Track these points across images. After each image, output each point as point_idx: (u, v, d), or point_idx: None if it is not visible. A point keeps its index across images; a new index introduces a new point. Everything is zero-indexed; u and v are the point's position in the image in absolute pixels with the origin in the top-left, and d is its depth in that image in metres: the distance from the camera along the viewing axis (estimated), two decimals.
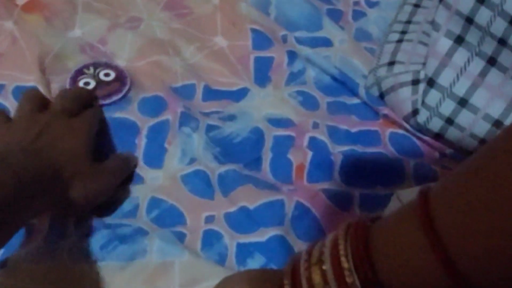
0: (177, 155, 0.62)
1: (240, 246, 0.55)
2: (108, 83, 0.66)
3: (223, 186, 0.59)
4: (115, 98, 0.65)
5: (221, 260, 0.54)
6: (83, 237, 0.54)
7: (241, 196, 0.58)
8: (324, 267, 0.36)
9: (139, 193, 0.59)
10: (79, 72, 0.67)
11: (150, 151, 0.62)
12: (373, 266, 0.33)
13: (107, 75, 0.67)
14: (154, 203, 0.59)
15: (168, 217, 0.58)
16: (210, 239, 0.56)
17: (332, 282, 0.35)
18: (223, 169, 0.60)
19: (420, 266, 0.32)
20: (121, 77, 0.67)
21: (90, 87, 0.66)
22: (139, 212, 0.58)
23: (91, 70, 0.67)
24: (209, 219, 0.58)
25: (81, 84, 0.66)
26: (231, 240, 0.56)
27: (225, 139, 0.64)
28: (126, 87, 0.66)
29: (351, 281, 0.34)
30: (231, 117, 0.66)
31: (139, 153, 0.62)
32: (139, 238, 0.55)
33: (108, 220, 0.57)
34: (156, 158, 0.62)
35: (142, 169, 0.61)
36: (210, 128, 0.64)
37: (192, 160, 0.62)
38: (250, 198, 0.58)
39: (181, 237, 0.56)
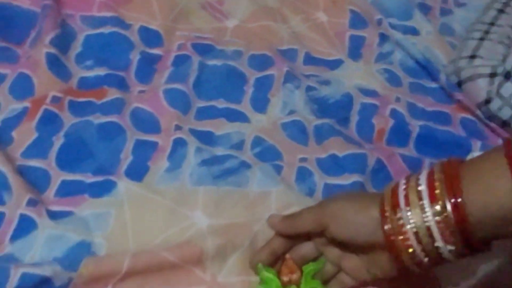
0: (279, 106, 0.73)
1: (326, 186, 0.66)
2: None
3: (317, 136, 0.71)
4: None
5: (310, 193, 0.66)
6: None
7: (332, 145, 0.69)
8: (419, 188, 0.47)
9: (245, 131, 0.70)
10: None
11: (256, 98, 0.73)
12: (461, 190, 0.44)
13: None
14: (257, 141, 0.70)
15: (268, 154, 0.69)
16: (303, 174, 0.67)
17: (425, 199, 0.46)
18: (318, 122, 0.72)
19: (501, 190, 0.43)
20: None
21: None
22: (244, 147, 0.69)
23: None
24: (303, 160, 0.69)
25: None
26: (319, 179, 0.67)
27: (321, 99, 0.75)
28: None
29: (442, 200, 0.45)
30: (327, 82, 0.77)
31: (247, 99, 0.73)
32: (244, 171, 0.66)
33: (219, 152, 0.67)
34: (260, 105, 0.73)
35: (248, 111, 0.72)
36: (309, 88, 0.75)
37: (292, 112, 0.73)
38: (339, 148, 0.69)
39: (278, 170, 0.67)
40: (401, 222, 0.47)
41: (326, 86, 0.76)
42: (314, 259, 0.58)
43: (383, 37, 0.82)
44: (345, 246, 0.55)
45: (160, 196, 0.63)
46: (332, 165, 0.67)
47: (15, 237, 0.58)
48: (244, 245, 0.59)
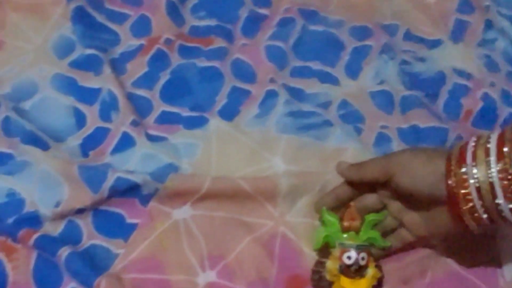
0: (370, 74, 0.77)
1: None
2: None
3: (403, 106, 0.73)
4: None
5: None
6: None
7: (415, 116, 0.72)
8: (488, 146, 0.48)
9: (334, 93, 0.74)
10: None
11: (350, 65, 0.77)
12: None
13: None
14: (343, 104, 0.74)
15: (351, 117, 0.73)
16: (382, 139, 0.70)
17: (493, 156, 0.47)
18: (407, 92, 0.74)
19: None
20: None
21: None
22: (330, 107, 0.73)
23: None
24: (384, 127, 0.72)
25: None
26: (397, 147, 0.69)
27: (414, 74, 0.77)
28: None
29: (509, 158, 0.46)
30: (422, 59, 0.79)
31: (341, 65, 0.77)
32: (325, 127, 0.71)
33: (306, 108, 0.72)
34: (353, 72, 0.77)
35: (340, 76, 0.76)
36: (403, 62, 0.78)
37: (382, 82, 0.76)
38: (422, 119, 0.71)
39: (358, 131, 0.71)
40: (465, 176, 0.49)
41: (421, 62, 0.78)
42: (377, 212, 0.60)
43: (489, 24, 0.82)
44: (406, 200, 0.57)
45: (245, 136, 0.68)
46: (412, 135, 0.70)
47: (115, 150, 0.67)
48: (314, 190, 0.63)
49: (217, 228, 0.62)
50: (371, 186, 0.60)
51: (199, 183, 0.62)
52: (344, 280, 0.58)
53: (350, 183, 0.60)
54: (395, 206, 0.59)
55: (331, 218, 0.60)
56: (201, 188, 0.61)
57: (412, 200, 0.56)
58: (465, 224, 0.51)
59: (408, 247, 0.61)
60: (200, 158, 0.67)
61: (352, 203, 0.60)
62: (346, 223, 0.59)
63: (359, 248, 0.58)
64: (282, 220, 0.63)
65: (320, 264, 0.59)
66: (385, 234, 0.61)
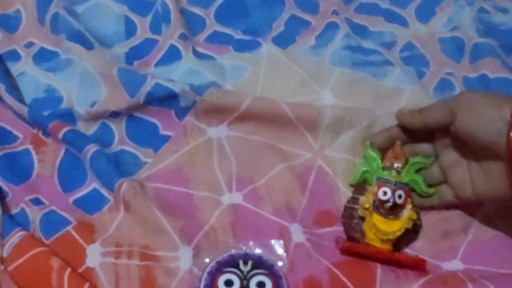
0: (443, 20, 0.70)
1: None
2: None
3: (473, 54, 0.66)
4: None
5: None
6: None
7: (486, 65, 0.65)
8: None
9: (400, 34, 0.68)
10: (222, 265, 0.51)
11: (422, 8, 0.71)
12: None
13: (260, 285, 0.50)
14: (409, 46, 0.68)
15: (415, 60, 0.67)
16: (444, 85, 0.64)
17: None
18: (480, 40, 0.67)
19: None
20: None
21: None
22: (394, 48, 0.67)
23: (241, 266, 0.51)
24: (449, 74, 0.65)
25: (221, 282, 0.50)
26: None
27: (491, 23, 0.70)
28: None
29: None
30: (504, 10, 0.72)
31: (412, 7, 0.71)
32: (385, 66, 0.65)
33: (367, 45, 0.67)
34: (425, 16, 0.71)
35: (410, 18, 0.70)
36: (482, 10, 0.71)
37: (455, 28, 0.69)
38: (493, 69, 0.64)
39: (420, 75, 0.65)
40: None
41: (501, 13, 0.71)
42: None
43: None
44: (463, 149, 0.52)
45: (297, 65, 0.64)
46: (479, 85, 0.63)
47: (160, 62, 0.65)
48: (360, 125, 0.58)
49: (251, 151, 0.59)
50: (428, 136, 0.54)
51: (239, 101, 0.58)
52: (376, 218, 0.52)
53: (406, 129, 0.54)
54: (448, 156, 0.53)
55: (373, 153, 0.55)
56: (240, 106, 0.58)
57: (469, 148, 0.50)
58: None
59: (444, 207, 0.55)
60: (245, 82, 0.63)
61: (398, 142, 0.55)
62: (388, 162, 0.54)
63: (397, 185, 0.52)
64: (321, 153, 0.58)
65: (354, 200, 0.55)
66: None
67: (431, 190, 0.54)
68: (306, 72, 0.63)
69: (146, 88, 0.58)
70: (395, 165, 0.53)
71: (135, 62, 0.64)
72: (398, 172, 0.53)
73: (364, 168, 0.54)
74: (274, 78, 0.63)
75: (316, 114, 0.58)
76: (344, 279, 0.50)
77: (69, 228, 0.52)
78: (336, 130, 0.58)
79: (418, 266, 0.51)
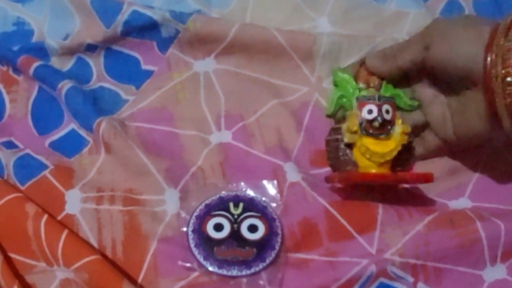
0: None
1: None
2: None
3: None
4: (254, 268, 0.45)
5: None
6: None
7: None
8: None
9: None
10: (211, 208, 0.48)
11: None
12: None
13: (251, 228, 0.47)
14: None
15: None
16: (452, 7, 0.58)
17: None
18: None
19: None
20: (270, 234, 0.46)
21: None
22: None
23: (231, 208, 0.48)
24: None
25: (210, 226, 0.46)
26: None
27: None
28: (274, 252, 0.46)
29: None
30: None
31: None
32: None
33: None
34: None
35: None
36: None
37: None
38: None
39: None
40: (509, 45, 0.38)
41: None
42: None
43: None
44: (440, 87, 0.48)
45: None
46: (490, 5, 0.58)
47: None
48: (360, 53, 0.53)
49: (241, 87, 0.54)
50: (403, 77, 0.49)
51: (226, 28, 0.53)
52: (367, 141, 0.47)
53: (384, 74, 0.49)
54: (425, 94, 0.49)
55: (345, 75, 0.49)
56: (228, 34, 0.52)
57: (446, 82, 0.46)
58: (498, 119, 0.41)
59: (432, 155, 0.51)
60: (233, 9, 0.58)
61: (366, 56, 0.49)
62: (363, 80, 0.49)
63: (381, 100, 0.47)
64: (318, 86, 0.53)
65: (335, 131, 0.49)
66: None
67: (415, 102, 0.49)
68: None
69: (123, 16, 0.53)
70: (371, 83, 0.48)
71: None
72: (376, 90, 0.48)
73: (339, 93, 0.49)
74: (265, 5, 0.58)
75: (312, 42, 0.53)
76: (343, 221, 0.46)
77: (46, 172, 0.48)
78: (334, 59, 0.53)
79: (426, 179, 0.47)
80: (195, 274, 0.45)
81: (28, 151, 0.50)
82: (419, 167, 0.51)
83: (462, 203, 0.49)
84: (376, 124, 0.46)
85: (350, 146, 0.48)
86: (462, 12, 0.58)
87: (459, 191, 0.50)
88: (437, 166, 0.50)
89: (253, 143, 0.51)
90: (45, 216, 0.45)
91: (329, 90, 0.53)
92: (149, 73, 0.54)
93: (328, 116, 0.51)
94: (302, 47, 0.53)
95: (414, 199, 0.50)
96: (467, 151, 0.50)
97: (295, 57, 0.53)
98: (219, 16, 0.56)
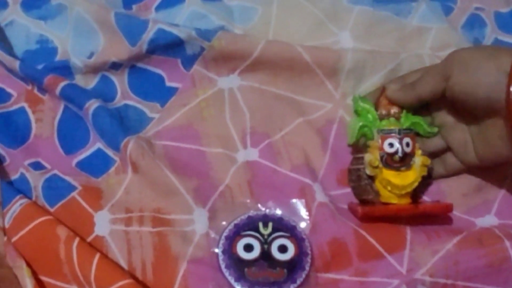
0: None
1: (496, 41, 0.58)
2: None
3: None
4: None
5: (475, 42, 0.56)
6: None
7: None
8: None
9: None
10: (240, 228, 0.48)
11: None
12: None
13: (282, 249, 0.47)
14: None
15: None
16: (474, 22, 0.58)
17: None
18: None
19: None
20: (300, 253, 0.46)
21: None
22: None
23: (260, 228, 0.48)
24: (479, 9, 0.60)
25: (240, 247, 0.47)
26: (491, 33, 0.58)
27: None
28: (304, 273, 0.46)
29: None
30: None
31: None
32: (408, 3, 0.59)
33: None
34: None
35: None
36: None
37: None
38: None
39: (447, 10, 0.59)
40: None
41: None
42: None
43: None
44: (460, 115, 0.48)
45: (312, 4, 0.58)
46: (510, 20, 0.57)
47: (162, 5, 0.59)
48: (385, 70, 0.53)
49: (265, 104, 0.54)
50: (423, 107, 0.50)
51: (251, 46, 0.53)
52: (388, 173, 0.48)
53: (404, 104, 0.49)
54: (446, 122, 0.49)
55: (366, 105, 0.50)
56: (253, 51, 0.52)
57: (467, 110, 0.46)
58: None
59: (453, 175, 0.51)
60: (256, 25, 0.57)
61: (387, 86, 0.50)
62: (383, 109, 0.49)
63: (402, 133, 0.48)
64: (343, 102, 0.53)
65: (357, 160, 0.50)
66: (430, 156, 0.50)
67: (435, 129, 0.50)
68: (322, 11, 0.58)
69: (149, 35, 0.53)
70: (392, 111, 0.49)
71: (134, 6, 0.59)
72: (397, 119, 0.49)
73: (360, 123, 0.49)
74: (287, 21, 0.58)
75: (336, 59, 0.52)
76: (372, 240, 0.47)
77: (75, 194, 0.49)
78: (359, 76, 0.53)
79: (446, 211, 0.48)
80: None
81: (55, 171, 0.50)
82: (445, 183, 0.51)
83: (489, 220, 0.49)
84: (396, 158, 0.47)
85: (372, 177, 0.48)
86: (484, 27, 0.57)
87: (486, 208, 0.50)
88: (463, 182, 0.51)
89: (280, 161, 0.51)
90: (77, 239, 0.45)
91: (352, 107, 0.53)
92: (173, 90, 0.54)
93: (350, 145, 0.51)
94: (327, 63, 0.53)
95: (442, 219, 0.50)
96: (493, 169, 0.50)
97: (320, 74, 0.53)
98: (242, 31, 0.56)
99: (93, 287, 0.44)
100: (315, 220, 0.48)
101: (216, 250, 0.46)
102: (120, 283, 0.43)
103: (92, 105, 0.51)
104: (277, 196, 0.49)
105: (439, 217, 0.49)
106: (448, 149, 0.50)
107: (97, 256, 0.44)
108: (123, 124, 0.52)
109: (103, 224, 0.47)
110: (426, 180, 0.50)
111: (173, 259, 0.46)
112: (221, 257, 0.46)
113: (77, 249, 0.45)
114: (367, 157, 0.48)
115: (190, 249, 0.46)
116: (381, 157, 0.47)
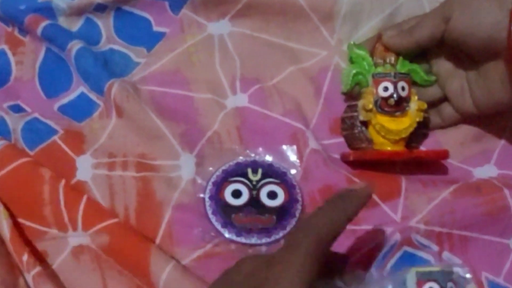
0: None
1: None
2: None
3: None
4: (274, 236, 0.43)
5: None
6: None
7: None
8: None
9: None
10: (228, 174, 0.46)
11: None
12: None
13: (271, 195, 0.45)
14: None
15: None
16: None
17: None
18: None
19: None
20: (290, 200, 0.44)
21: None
22: None
23: (249, 174, 0.46)
24: None
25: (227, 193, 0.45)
26: None
27: None
28: (294, 220, 0.44)
29: None
30: None
31: None
32: None
33: None
34: None
35: None
36: None
37: None
38: None
39: None
40: None
41: None
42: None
43: None
44: (459, 60, 0.46)
45: None
46: None
47: None
48: (383, 14, 0.51)
49: (257, 51, 0.52)
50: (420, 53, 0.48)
51: None
52: (382, 119, 0.46)
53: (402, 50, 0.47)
54: (444, 68, 0.47)
55: (360, 51, 0.48)
56: None
57: (466, 54, 0.45)
58: None
59: (450, 126, 0.49)
60: None
61: (383, 32, 0.48)
62: (379, 56, 0.47)
63: (397, 77, 0.46)
64: (338, 49, 0.51)
65: (351, 108, 0.48)
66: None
67: (432, 77, 0.48)
68: None
69: None
70: (388, 58, 0.47)
71: None
72: (393, 65, 0.47)
73: (355, 70, 0.47)
74: None
75: (332, 2, 0.50)
76: None
77: (56, 137, 0.46)
78: (355, 20, 0.51)
79: (441, 157, 0.46)
80: (213, 243, 0.43)
81: (36, 115, 0.48)
82: (442, 133, 0.49)
83: (488, 170, 0.48)
84: (391, 101, 0.45)
85: (365, 123, 0.46)
86: None
87: (485, 157, 0.48)
88: (461, 132, 0.49)
89: (271, 106, 0.49)
90: (63, 180, 0.44)
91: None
92: (161, 35, 0.52)
93: (344, 93, 0.49)
94: (322, 7, 0.50)
95: (438, 168, 0.48)
96: (492, 117, 0.48)
97: (314, 18, 0.51)
98: None
99: (78, 226, 0.43)
100: (307, 167, 0.46)
101: (203, 196, 0.44)
102: (110, 222, 0.42)
103: (75, 46, 0.48)
104: (268, 142, 0.47)
105: (434, 166, 0.47)
106: (445, 98, 0.48)
107: (85, 197, 0.43)
108: (107, 67, 0.49)
109: (85, 168, 0.45)
110: (422, 131, 0.48)
111: (158, 205, 0.44)
112: (208, 203, 0.44)
113: (64, 189, 0.43)
114: (361, 102, 0.45)
115: (176, 194, 0.44)
116: (375, 102, 0.45)
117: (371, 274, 0.42)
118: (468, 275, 0.42)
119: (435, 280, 0.40)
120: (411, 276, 0.41)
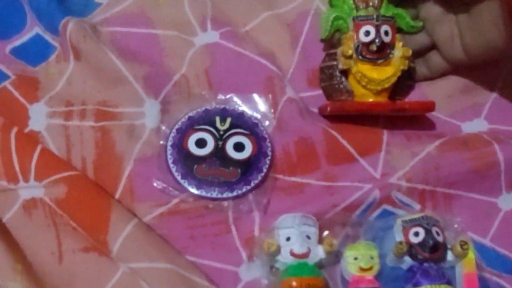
0: None
1: None
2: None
3: None
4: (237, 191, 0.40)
5: None
6: None
7: None
8: None
9: None
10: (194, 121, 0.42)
11: None
12: None
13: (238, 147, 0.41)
14: None
15: None
16: None
17: None
18: None
19: None
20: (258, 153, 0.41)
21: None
22: None
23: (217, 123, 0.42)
24: None
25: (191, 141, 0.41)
26: None
27: None
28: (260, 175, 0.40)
29: None
30: None
31: None
32: None
33: None
34: None
35: None
36: None
37: None
38: None
39: None
40: None
41: None
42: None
43: None
44: (448, 3, 0.42)
45: None
46: None
47: None
48: None
49: None
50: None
51: None
52: (363, 67, 0.41)
53: None
54: (432, 13, 0.43)
55: None
56: None
57: None
58: None
59: (437, 77, 0.45)
60: None
61: None
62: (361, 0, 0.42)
63: (380, 20, 0.41)
64: None
65: (330, 56, 0.43)
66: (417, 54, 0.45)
67: (419, 23, 0.44)
68: None
69: None
70: (371, 1, 0.42)
71: None
72: (376, 9, 0.42)
73: (334, 14, 0.42)
74: None
75: None
76: (344, 142, 0.41)
77: (7, 83, 0.43)
78: None
79: (427, 109, 0.42)
80: (175, 200, 0.39)
81: None
82: (428, 85, 0.45)
83: (477, 125, 0.44)
84: (373, 47, 0.41)
85: (345, 73, 0.42)
86: None
87: (475, 111, 0.45)
88: (449, 83, 0.45)
89: (244, 44, 0.45)
90: (15, 128, 0.40)
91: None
92: None
93: (323, 40, 0.44)
94: None
95: (423, 122, 0.44)
96: (483, 68, 0.44)
97: None
98: None
99: (31, 177, 0.39)
100: (281, 117, 0.42)
101: (164, 143, 0.40)
102: (68, 173, 0.39)
103: None
104: (240, 86, 0.43)
105: (420, 120, 0.44)
106: (432, 47, 0.44)
107: (39, 147, 0.40)
108: (64, 5, 0.45)
109: (39, 117, 0.42)
110: (407, 82, 0.44)
111: (118, 158, 0.41)
112: (169, 151, 0.40)
113: (16, 136, 0.40)
114: (340, 49, 0.41)
115: (138, 146, 0.41)
116: (356, 48, 0.41)
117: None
118: (456, 225, 0.39)
119: (419, 225, 0.38)
120: (397, 227, 0.39)
